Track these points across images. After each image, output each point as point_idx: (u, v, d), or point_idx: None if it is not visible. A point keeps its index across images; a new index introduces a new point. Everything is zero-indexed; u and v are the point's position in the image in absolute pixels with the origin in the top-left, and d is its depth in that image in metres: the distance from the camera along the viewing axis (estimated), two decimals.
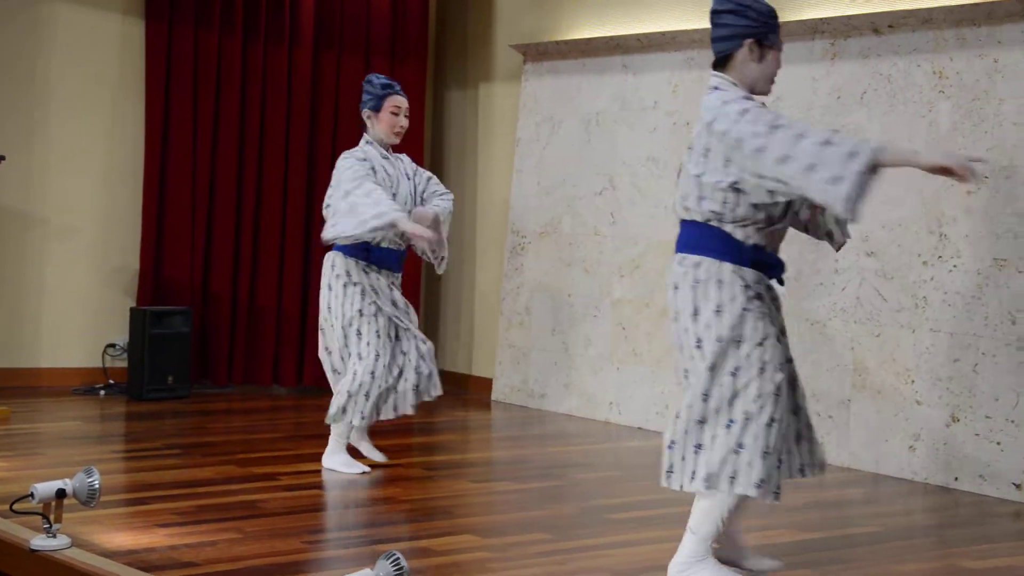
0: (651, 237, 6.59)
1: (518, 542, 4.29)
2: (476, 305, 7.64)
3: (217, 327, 7.21)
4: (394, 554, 3.51)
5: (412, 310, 5.39)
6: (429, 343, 5.36)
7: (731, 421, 3.60)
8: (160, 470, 5.13)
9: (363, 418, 5.15)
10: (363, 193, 5.05)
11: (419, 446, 6.20)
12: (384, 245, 5.25)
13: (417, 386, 5.28)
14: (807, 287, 5.88)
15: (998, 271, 5.21)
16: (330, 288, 5.24)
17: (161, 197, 7.13)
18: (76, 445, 5.64)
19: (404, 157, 5.45)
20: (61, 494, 3.91)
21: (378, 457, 5.39)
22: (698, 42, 6.37)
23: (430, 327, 7.88)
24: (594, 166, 6.88)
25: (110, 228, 7.15)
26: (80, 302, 7.11)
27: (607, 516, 4.65)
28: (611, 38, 6.77)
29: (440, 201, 5.41)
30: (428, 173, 5.53)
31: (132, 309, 6.99)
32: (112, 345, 7.15)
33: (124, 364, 7.09)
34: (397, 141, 5.32)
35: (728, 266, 3.66)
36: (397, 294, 5.32)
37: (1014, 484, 5.12)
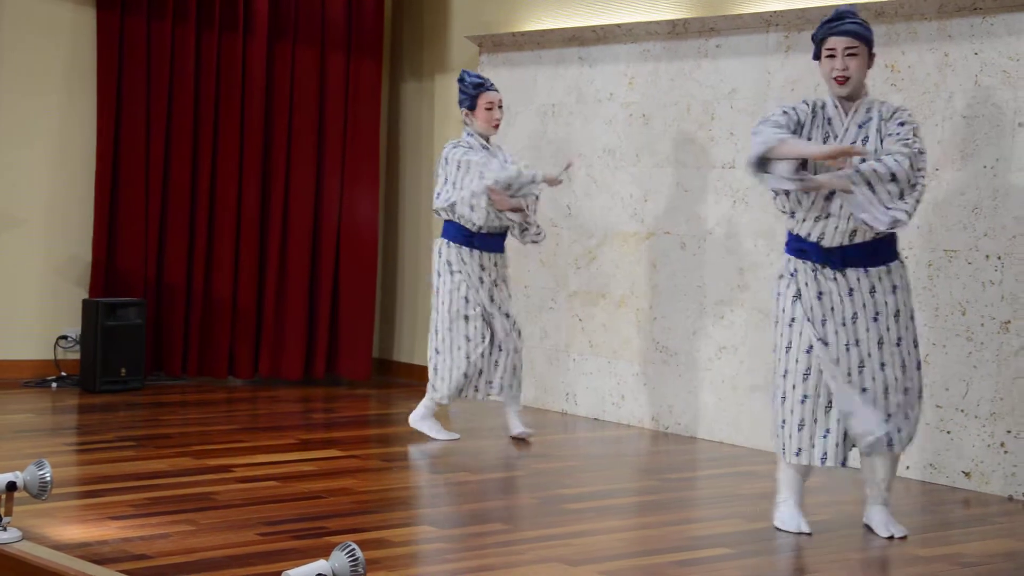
0: (607, 229, 6.61)
1: (475, 532, 4.30)
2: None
3: (171, 318, 7.16)
4: (349, 545, 3.50)
5: (508, 298, 5.86)
6: (516, 340, 5.85)
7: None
8: (113, 462, 5.10)
9: (450, 397, 5.74)
10: (479, 160, 5.65)
11: (376, 437, 6.19)
12: (484, 231, 5.72)
13: (503, 375, 5.81)
14: (762, 279, 5.93)
15: (948, 262, 5.27)
16: (439, 275, 5.78)
17: (114, 187, 7.06)
18: (27, 438, 5.58)
19: (502, 148, 5.92)
20: (12, 487, 3.87)
21: (518, 431, 5.90)
22: (654, 34, 6.40)
23: (386, 319, 7.87)
24: (550, 157, 6.89)
25: (62, 218, 7.08)
26: (31, 293, 7.03)
27: (564, 506, 4.67)
28: (567, 30, 6.78)
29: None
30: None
31: (85, 300, 6.93)
32: (64, 337, 7.08)
33: (76, 356, 7.02)
34: (495, 133, 5.81)
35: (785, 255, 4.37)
36: (501, 281, 5.83)
37: (964, 472, 5.19)
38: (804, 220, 4.26)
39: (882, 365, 4.24)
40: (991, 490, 5.09)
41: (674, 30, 6.30)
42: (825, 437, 4.25)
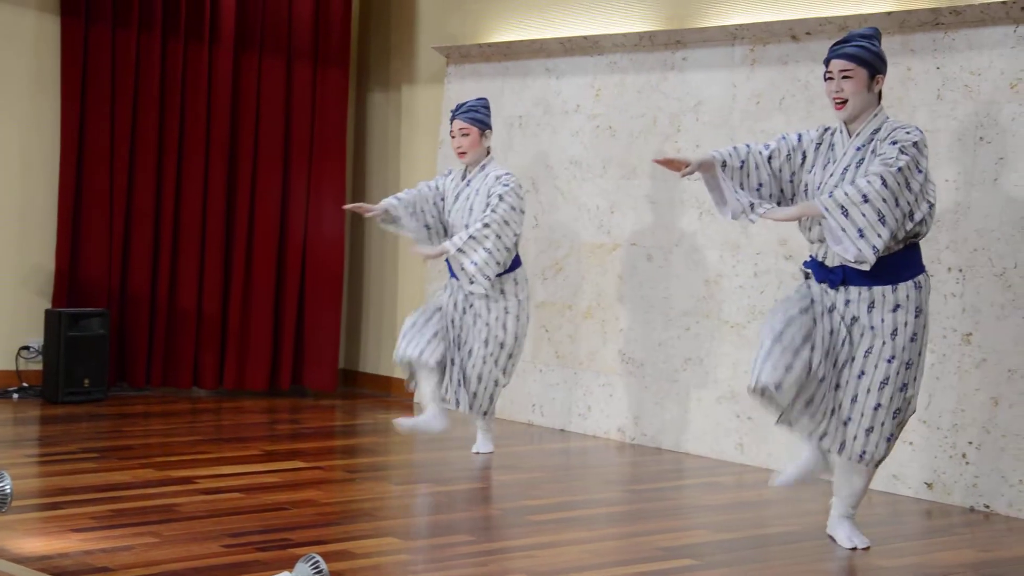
0: (574, 240, 6.63)
1: (440, 544, 4.29)
2: (399, 308, 7.61)
3: (135, 329, 7.11)
4: (313, 557, 3.49)
5: (487, 330, 5.63)
6: (480, 366, 5.64)
7: None
8: (75, 474, 5.05)
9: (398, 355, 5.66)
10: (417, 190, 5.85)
11: (341, 448, 6.17)
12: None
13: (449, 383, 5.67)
14: (728, 291, 5.95)
15: None
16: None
17: (77, 196, 7.01)
18: None
19: (490, 174, 5.65)
20: None
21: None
22: (620, 46, 6.42)
23: (352, 329, 7.85)
24: (517, 169, 6.89)
25: (25, 228, 7.02)
26: None
27: (529, 518, 4.67)
28: (533, 41, 6.79)
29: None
30: (499, 191, 5.56)
31: (47, 311, 6.87)
32: (26, 348, 7.01)
33: (39, 367, 6.96)
34: (461, 160, 5.69)
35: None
36: (475, 316, 5.64)
37: (926, 483, 5.23)
38: (811, 242, 4.32)
39: (861, 374, 4.22)
40: (953, 501, 5.13)
41: (640, 43, 6.33)
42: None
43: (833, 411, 4.27)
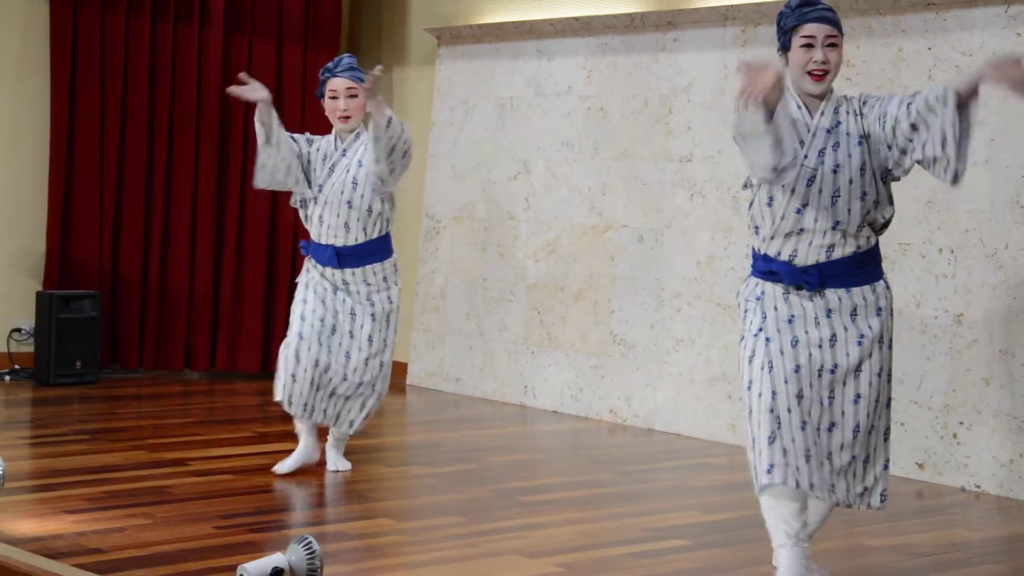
0: (565, 221, 6.63)
1: (432, 525, 4.30)
2: None
3: (127, 311, 7.10)
4: (306, 538, 3.49)
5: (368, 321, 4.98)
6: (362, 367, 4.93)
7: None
8: (67, 456, 5.05)
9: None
10: None
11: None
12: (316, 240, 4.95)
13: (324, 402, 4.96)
14: (719, 272, 5.96)
15: (903, 255, 5.32)
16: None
17: (68, 178, 6.99)
18: None
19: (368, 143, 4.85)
20: None
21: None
22: (612, 27, 6.41)
23: None
24: (509, 151, 6.89)
25: (15, 210, 7.00)
26: None
27: (521, 499, 4.68)
28: (525, 23, 6.78)
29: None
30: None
31: (38, 293, 6.85)
32: (18, 330, 7.00)
33: (30, 349, 6.94)
34: (341, 125, 4.87)
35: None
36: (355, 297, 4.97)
37: (917, 464, 5.25)
38: (773, 237, 3.60)
39: (857, 397, 3.60)
40: (944, 481, 5.15)
41: (632, 23, 6.32)
42: (808, 460, 3.51)
43: (829, 455, 3.59)
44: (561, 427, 6.26)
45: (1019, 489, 4.92)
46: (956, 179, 3.51)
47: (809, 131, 3.58)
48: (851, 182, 3.55)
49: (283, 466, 4.92)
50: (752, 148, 3.46)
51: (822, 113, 3.59)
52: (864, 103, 3.63)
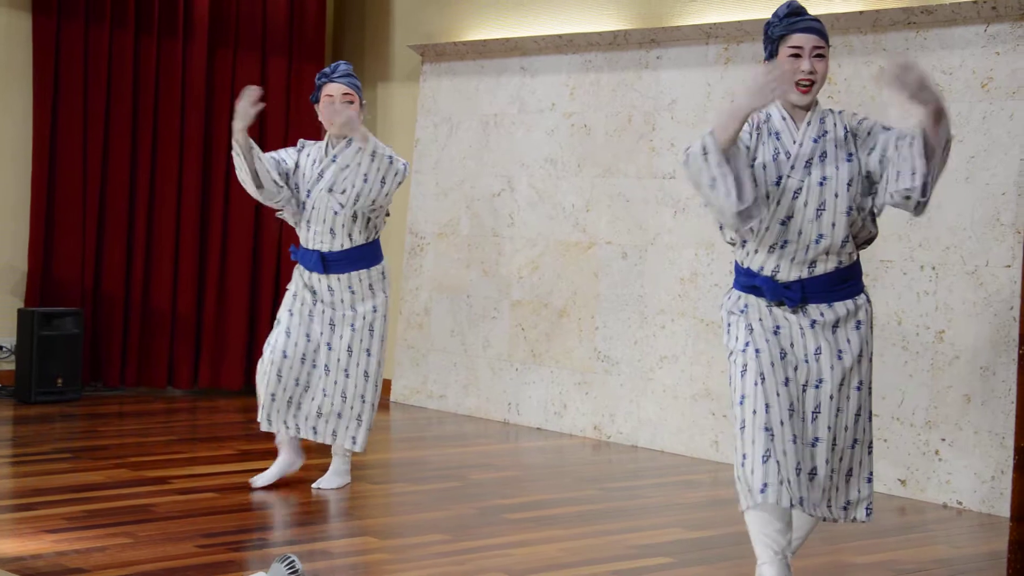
0: (549, 238, 6.63)
1: (416, 543, 4.29)
2: None
3: (109, 328, 7.07)
4: (289, 557, 3.48)
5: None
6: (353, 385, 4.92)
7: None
8: (48, 475, 5.02)
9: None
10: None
11: (316, 447, 6.15)
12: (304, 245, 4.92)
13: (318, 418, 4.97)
14: (702, 289, 5.97)
15: (885, 272, 5.35)
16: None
17: (50, 194, 6.97)
18: None
19: (364, 151, 4.79)
20: None
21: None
22: (595, 45, 6.43)
23: None
24: (492, 167, 6.90)
25: None
26: None
27: (505, 516, 4.67)
28: (508, 40, 6.80)
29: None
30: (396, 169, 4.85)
31: (20, 310, 6.82)
32: None
33: (11, 367, 6.91)
34: (337, 132, 4.81)
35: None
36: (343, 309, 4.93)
37: (899, 480, 5.26)
38: (757, 251, 3.58)
39: (839, 411, 3.59)
40: (927, 498, 5.17)
41: (615, 41, 6.34)
42: (799, 474, 3.49)
43: (814, 469, 3.57)
44: (545, 444, 6.26)
45: (1001, 506, 4.94)
46: (924, 193, 3.51)
47: (795, 142, 3.56)
48: (836, 196, 3.53)
49: (261, 479, 4.91)
50: (710, 196, 3.45)
51: (808, 123, 3.57)
52: (860, 124, 3.61)
